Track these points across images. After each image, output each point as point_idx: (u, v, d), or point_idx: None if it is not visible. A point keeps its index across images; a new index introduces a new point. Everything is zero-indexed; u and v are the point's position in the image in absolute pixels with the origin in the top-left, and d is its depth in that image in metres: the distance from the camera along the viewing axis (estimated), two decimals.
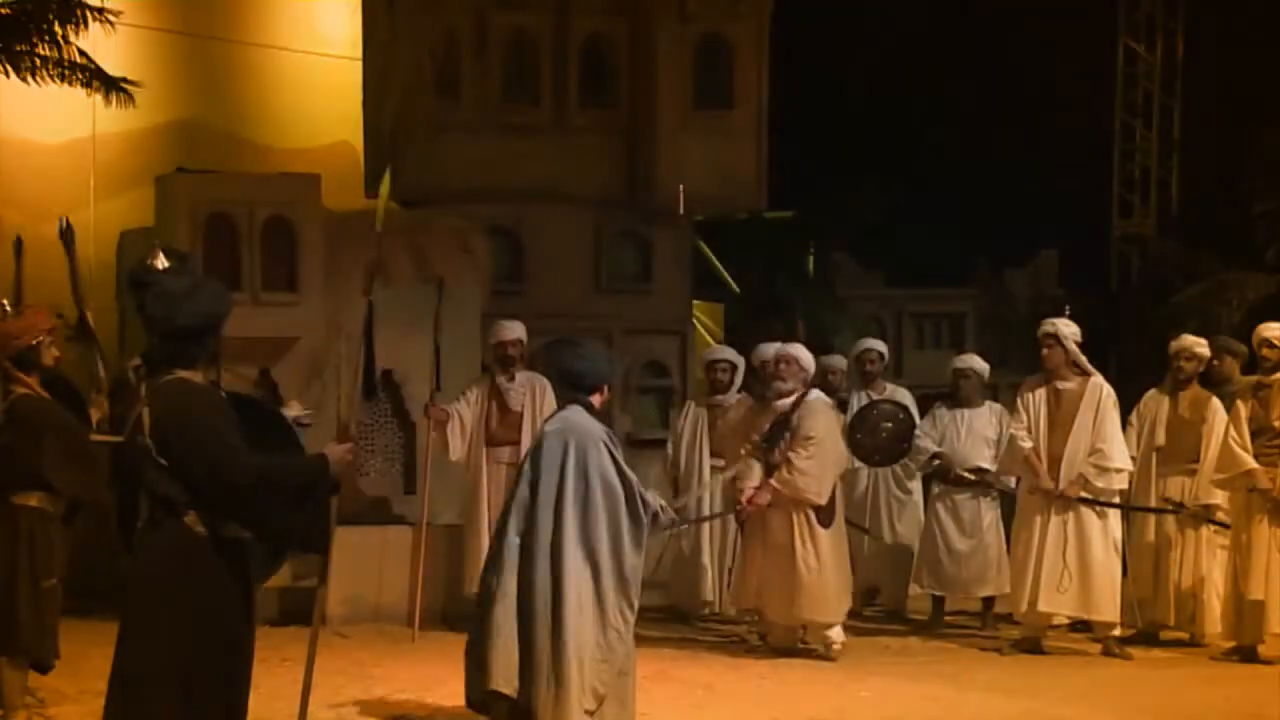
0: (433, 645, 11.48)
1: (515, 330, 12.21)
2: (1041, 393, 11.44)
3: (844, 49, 20.80)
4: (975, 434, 12.52)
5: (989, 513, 12.44)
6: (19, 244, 9.57)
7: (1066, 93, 21.24)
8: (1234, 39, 20.28)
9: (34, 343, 8.49)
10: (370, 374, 12.27)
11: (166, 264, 5.88)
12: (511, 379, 12.16)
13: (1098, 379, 11.44)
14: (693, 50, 15.13)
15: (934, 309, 18.80)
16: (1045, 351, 11.43)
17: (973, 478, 12.46)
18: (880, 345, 13.45)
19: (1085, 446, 11.25)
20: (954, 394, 12.77)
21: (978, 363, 12.90)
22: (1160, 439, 11.97)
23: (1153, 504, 11.92)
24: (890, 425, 12.36)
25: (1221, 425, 11.56)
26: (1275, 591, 11.09)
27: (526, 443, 12.03)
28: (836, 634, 11.13)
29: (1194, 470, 11.79)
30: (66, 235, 9.28)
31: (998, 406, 12.67)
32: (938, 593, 12.67)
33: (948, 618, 12.72)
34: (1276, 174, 18.77)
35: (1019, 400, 11.61)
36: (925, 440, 12.58)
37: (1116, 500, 11.45)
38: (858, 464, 12.63)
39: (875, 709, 9.57)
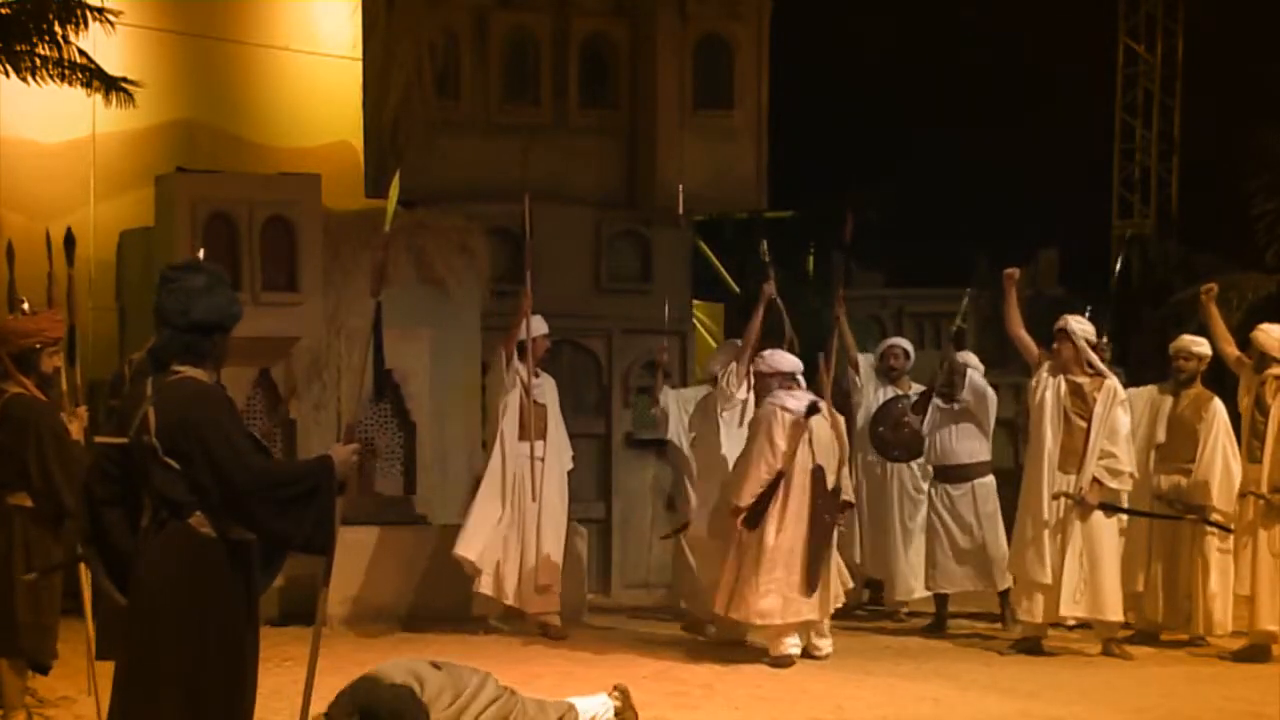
0: (432, 645, 11.48)
1: (542, 325, 12.20)
2: (1060, 379, 11.43)
3: (844, 49, 20.77)
4: None
5: (987, 504, 12.42)
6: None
7: (1066, 93, 21.23)
8: (1234, 39, 20.26)
9: (37, 345, 8.50)
10: (380, 375, 12.26)
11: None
12: (538, 375, 12.13)
13: (1112, 380, 11.46)
14: (693, 50, 15.10)
15: (934, 309, 18.73)
16: (1055, 346, 11.50)
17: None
18: (905, 343, 13.50)
19: (1098, 447, 11.28)
20: None
21: None
22: (1160, 436, 11.99)
23: (1148, 501, 11.91)
24: (913, 420, 12.45)
25: (1221, 426, 11.62)
26: (1264, 588, 11.15)
27: (552, 436, 12.00)
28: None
29: (1190, 470, 11.81)
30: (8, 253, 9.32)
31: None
32: (947, 590, 12.72)
33: (961, 619, 12.76)
34: (1276, 174, 18.77)
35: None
36: None
37: (1124, 500, 11.46)
38: (873, 457, 12.72)
39: (875, 709, 9.57)
